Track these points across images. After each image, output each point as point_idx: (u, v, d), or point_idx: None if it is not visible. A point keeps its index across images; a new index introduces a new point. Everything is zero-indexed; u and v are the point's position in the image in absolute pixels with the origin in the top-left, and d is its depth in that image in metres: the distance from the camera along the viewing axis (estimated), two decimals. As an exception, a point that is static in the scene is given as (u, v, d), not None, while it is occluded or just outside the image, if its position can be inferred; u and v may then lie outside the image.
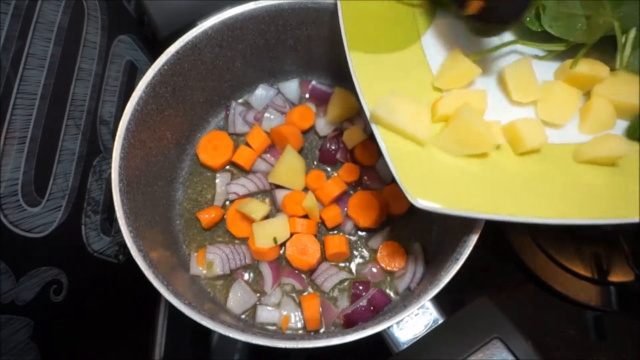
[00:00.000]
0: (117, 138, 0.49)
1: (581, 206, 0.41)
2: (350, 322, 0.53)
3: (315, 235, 0.58)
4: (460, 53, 0.49)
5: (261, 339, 0.42)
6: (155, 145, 0.56)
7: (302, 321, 0.56)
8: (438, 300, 0.47)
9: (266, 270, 0.57)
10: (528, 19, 0.50)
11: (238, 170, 0.65)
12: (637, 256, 0.61)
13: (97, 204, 0.58)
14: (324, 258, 0.59)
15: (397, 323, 0.45)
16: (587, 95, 0.50)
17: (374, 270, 0.59)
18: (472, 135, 0.43)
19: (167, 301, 0.44)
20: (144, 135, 0.53)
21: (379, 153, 0.61)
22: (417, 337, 0.46)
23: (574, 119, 0.49)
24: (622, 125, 0.48)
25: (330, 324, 0.56)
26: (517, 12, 0.43)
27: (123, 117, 0.50)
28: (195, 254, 0.58)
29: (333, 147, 0.63)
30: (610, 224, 0.41)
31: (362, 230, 0.61)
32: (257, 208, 0.58)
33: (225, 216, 0.61)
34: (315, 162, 0.66)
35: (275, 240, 0.55)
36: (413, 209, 0.61)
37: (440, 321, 0.46)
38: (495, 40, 0.51)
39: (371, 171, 0.63)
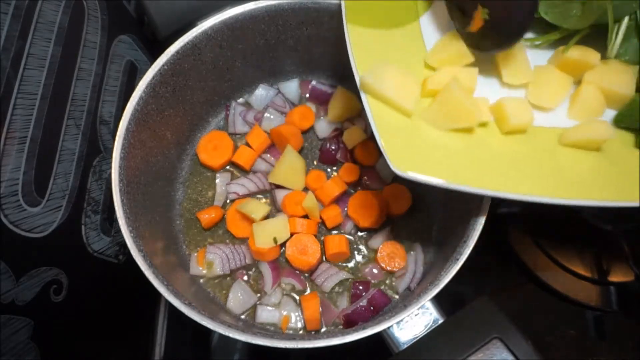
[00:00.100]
0: (117, 138, 0.49)
1: (562, 187, 0.42)
2: (350, 322, 0.53)
3: (315, 235, 0.58)
4: (456, 35, 0.49)
5: (261, 339, 0.42)
6: (155, 145, 0.56)
7: (302, 321, 0.56)
8: (438, 300, 0.47)
9: (266, 270, 0.57)
10: None
11: (238, 170, 0.65)
12: (637, 256, 0.61)
13: (97, 204, 0.58)
14: (324, 258, 0.59)
15: (397, 323, 0.46)
16: (579, 83, 0.50)
17: (374, 270, 0.59)
18: (457, 109, 0.43)
19: (167, 301, 0.44)
20: (144, 135, 0.53)
21: (379, 153, 0.61)
22: (417, 337, 0.46)
23: (563, 104, 0.49)
24: (611, 114, 0.49)
25: (330, 324, 0.56)
26: (517, 29, 0.44)
27: (123, 117, 0.50)
28: (195, 254, 0.58)
29: (333, 147, 0.63)
30: (590, 206, 0.41)
31: (362, 230, 0.61)
32: (257, 208, 0.58)
33: (225, 216, 0.61)
34: (315, 162, 0.66)
35: (275, 240, 0.55)
36: (413, 209, 0.61)
37: (440, 321, 0.46)
38: None
39: (371, 171, 0.63)
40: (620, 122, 0.48)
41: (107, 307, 0.60)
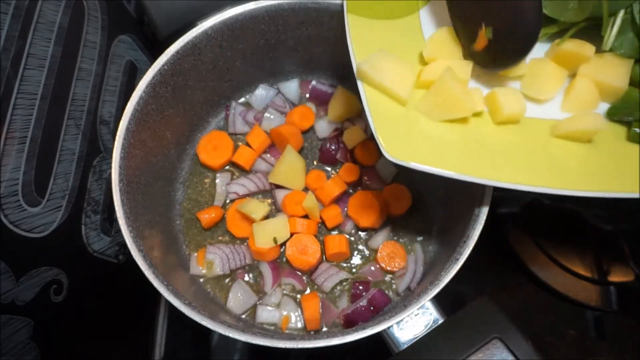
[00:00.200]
0: (117, 138, 0.49)
1: (554, 177, 0.42)
2: (350, 322, 0.53)
3: (316, 235, 0.58)
4: (451, 29, 0.49)
5: (261, 339, 0.42)
6: (155, 145, 0.56)
7: (302, 321, 0.56)
8: (438, 300, 0.47)
9: (266, 270, 0.57)
10: None
11: (238, 170, 0.65)
12: (637, 256, 0.61)
13: (97, 204, 0.58)
14: (324, 258, 0.59)
15: (397, 323, 0.46)
16: (574, 77, 0.50)
17: (374, 270, 0.59)
18: (451, 99, 0.44)
19: (167, 301, 0.44)
20: (144, 135, 0.53)
21: (379, 153, 0.61)
22: (417, 337, 0.46)
23: (557, 97, 0.50)
24: (605, 108, 0.49)
25: (330, 324, 0.56)
26: (523, 48, 0.44)
27: (123, 117, 0.50)
28: (195, 254, 0.58)
29: (333, 147, 0.63)
30: (580, 197, 0.41)
31: (362, 230, 0.61)
32: (257, 208, 0.58)
33: (225, 216, 0.61)
34: (315, 162, 0.66)
35: (275, 240, 0.56)
36: (413, 209, 0.61)
37: (440, 321, 0.46)
38: None
39: (371, 171, 0.63)
40: (613, 114, 0.48)
41: (107, 307, 0.60)
